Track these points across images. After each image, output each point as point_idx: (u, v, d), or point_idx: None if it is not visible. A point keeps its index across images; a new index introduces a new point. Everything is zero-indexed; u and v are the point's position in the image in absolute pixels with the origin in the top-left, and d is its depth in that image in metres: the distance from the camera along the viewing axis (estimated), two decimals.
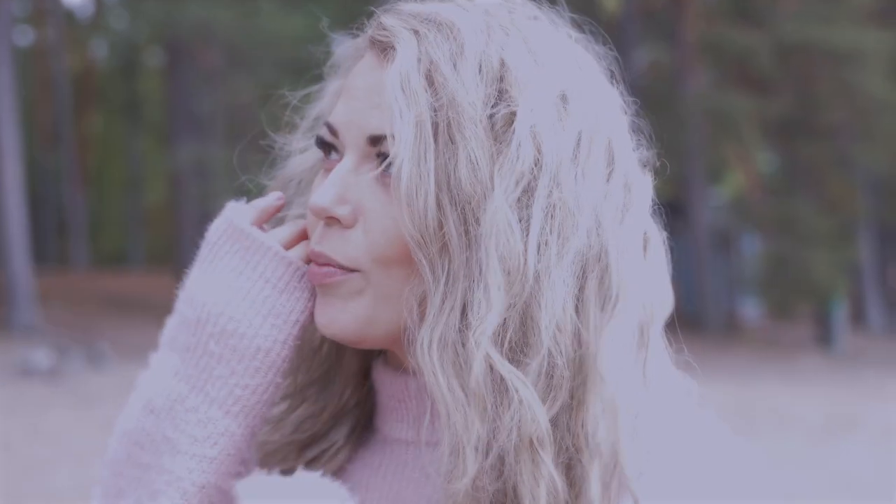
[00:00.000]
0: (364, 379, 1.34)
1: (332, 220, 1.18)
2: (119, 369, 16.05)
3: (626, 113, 1.25)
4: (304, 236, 1.26)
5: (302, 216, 1.28)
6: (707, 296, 26.97)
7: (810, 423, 15.42)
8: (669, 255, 1.25)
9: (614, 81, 1.26)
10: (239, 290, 1.21)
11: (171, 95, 25.71)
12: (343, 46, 1.31)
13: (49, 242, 35.20)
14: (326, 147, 1.22)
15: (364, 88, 1.19)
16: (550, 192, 1.13)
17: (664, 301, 1.22)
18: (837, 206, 27.68)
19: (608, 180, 1.17)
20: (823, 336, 27.52)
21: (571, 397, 1.11)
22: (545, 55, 1.18)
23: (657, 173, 1.25)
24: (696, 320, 26.33)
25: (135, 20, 35.42)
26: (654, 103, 30.05)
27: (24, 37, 37.56)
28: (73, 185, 34.50)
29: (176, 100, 25.12)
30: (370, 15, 1.25)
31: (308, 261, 1.22)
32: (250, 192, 1.35)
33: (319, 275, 1.19)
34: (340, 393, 1.34)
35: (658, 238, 1.23)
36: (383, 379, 1.28)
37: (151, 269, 34.62)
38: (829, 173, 27.89)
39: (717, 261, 27.88)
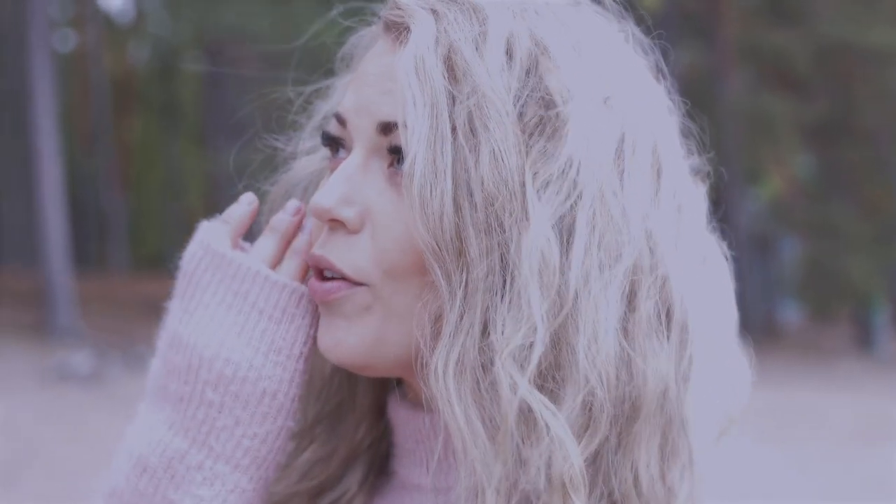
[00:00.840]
0: (379, 416, 1.18)
1: (335, 224, 1.04)
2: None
3: (673, 114, 1.12)
4: (289, 241, 1.12)
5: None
6: (745, 299, 26.69)
7: (849, 427, 15.34)
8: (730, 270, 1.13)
9: (661, 78, 1.14)
10: (231, 327, 1.04)
11: (208, 99, 25.78)
12: (356, 36, 1.18)
13: (88, 246, 35.33)
14: (333, 143, 1.09)
15: (376, 74, 1.06)
16: (594, 199, 0.99)
17: (730, 324, 1.12)
18: (876, 209, 27.55)
19: (657, 188, 1.04)
20: (863, 340, 27.41)
21: (618, 436, 0.98)
22: (586, 44, 1.05)
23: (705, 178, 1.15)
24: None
25: (175, 24, 35.66)
26: (692, 105, 30.01)
27: (65, 41, 37.72)
28: (112, 188, 34.65)
29: (213, 103, 25.19)
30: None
31: (305, 271, 1.09)
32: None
33: (322, 291, 1.05)
34: (353, 431, 1.17)
35: (719, 254, 1.13)
36: (400, 416, 1.12)
37: None
38: (867, 176, 27.77)
39: (756, 264, 27.77)
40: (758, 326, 26.98)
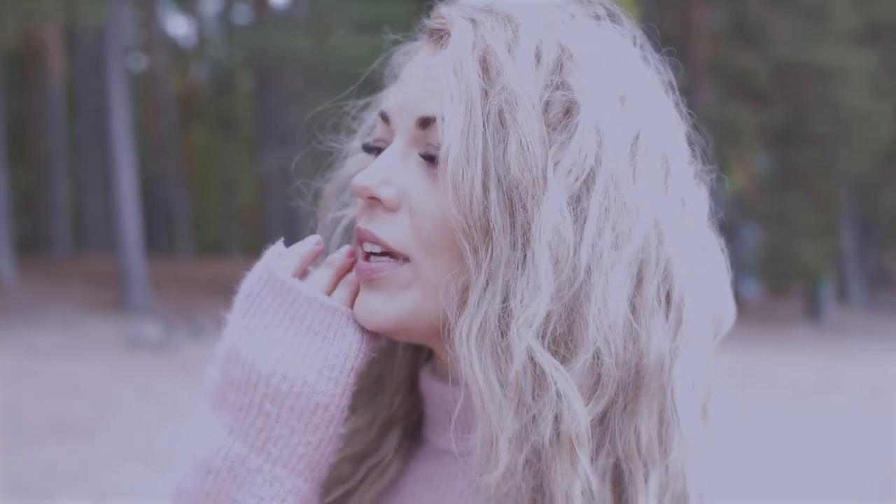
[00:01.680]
0: (412, 387, 1.15)
1: (374, 202, 1.02)
2: (216, 341, 16.13)
3: (680, 123, 1.10)
4: (342, 275, 1.08)
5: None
6: None
7: (801, 384, 15.33)
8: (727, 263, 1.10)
9: (671, 91, 1.11)
10: (288, 347, 1.00)
11: (260, 112, 25.78)
12: (400, 51, 1.15)
13: (159, 236, 35.41)
14: (375, 152, 1.06)
15: (418, 75, 1.04)
16: (607, 186, 0.97)
17: (727, 314, 1.10)
18: (823, 202, 27.52)
19: (665, 185, 1.01)
20: (812, 311, 27.46)
21: (625, 400, 0.95)
22: (607, 53, 1.03)
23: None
24: None
25: (230, 49, 35.68)
26: None
27: (137, 63, 37.78)
28: (178, 188, 34.76)
29: (264, 116, 25.19)
30: (431, 9, 1.09)
31: (354, 297, 1.06)
32: (306, 196, 1.22)
33: (368, 270, 1.02)
34: (390, 401, 1.14)
35: (717, 247, 1.10)
36: (431, 387, 1.09)
37: (243, 256, 34.78)
38: (817, 174, 27.71)
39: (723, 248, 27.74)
40: None
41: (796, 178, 27.58)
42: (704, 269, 1.05)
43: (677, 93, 1.13)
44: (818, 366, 18.08)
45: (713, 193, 1.15)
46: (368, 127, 1.16)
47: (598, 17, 1.07)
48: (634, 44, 1.08)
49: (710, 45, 27.61)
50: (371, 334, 1.05)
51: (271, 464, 1.00)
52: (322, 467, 1.03)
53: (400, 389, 1.14)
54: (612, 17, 1.08)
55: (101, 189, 29.96)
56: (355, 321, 1.04)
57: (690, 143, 1.12)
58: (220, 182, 42.37)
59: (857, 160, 27.17)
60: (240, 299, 1.07)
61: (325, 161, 1.22)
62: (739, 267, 29.43)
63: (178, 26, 46.45)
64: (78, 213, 32.86)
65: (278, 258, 1.08)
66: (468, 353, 0.95)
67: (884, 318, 29.39)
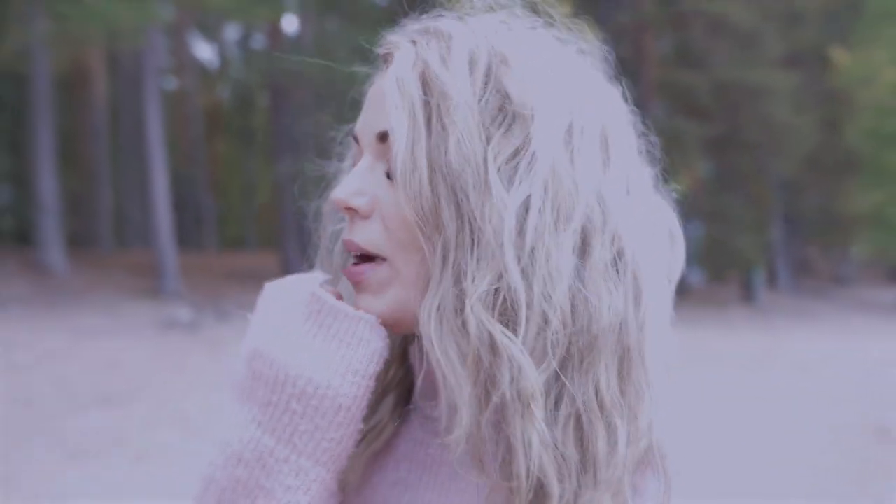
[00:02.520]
0: (403, 360, 1.12)
1: (351, 211, 0.99)
2: (239, 323, 16.07)
3: (622, 104, 1.05)
4: None
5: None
6: None
7: (738, 357, 15.38)
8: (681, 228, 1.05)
9: (615, 81, 1.06)
10: (315, 352, 0.96)
11: (275, 125, 25.71)
12: (369, 80, 1.10)
13: (188, 232, 35.33)
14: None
15: (374, 96, 1.01)
16: (545, 169, 0.93)
17: (676, 268, 1.07)
18: (756, 201, 27.62)
19: (606, 162, 0.98)
20: (747, 295, 27.55)
21: (580, 360, 0.92)
22: (539, 52, 0.99)
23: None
24: None
25: (248, 71, 35.59)
26: None
27: (169, 83, 37.70)
28: (204, 190, 34.71)
29: (278, 128, 25.13)
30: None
31: (346, 249, 1.04)
32: (311, 199, 1.18)
33: (351, 273, 1.00)
34: (385, 373, 1.10)
35: (668, 210, 1.07)
36: (418, 360, 1.07)
37: (262, 249, 34.77)
38: (750, 177, 27.82)
39: None
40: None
41: (733, 181, 27.68)
42: (656, 232, 1.02)
43: (630, 102, 1.08)
44: (752, 341, 18.14)
45: (663, 194, 1.11)
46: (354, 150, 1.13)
47: (533, 28, 1.03)
48: (573, 46, 1.04)
49: (659, 68, 27.65)
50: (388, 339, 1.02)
51: (297, 455, 0.96)
52: (343, 458, 1.00)
53: (393, 362, 1.10)
54: (552, 25, 1.05)
55: (139, 192, 29.87)
56: (377, 329, 1.00)
57: (641, 149, 1.07)
58: (241, 185, 42.34)
59: (784, 165, 27.32)
60: (271, 304, 1.02)
61: (325, 176, 1.17)
62: (685, 256, 29.51)
63: (204, 51, 46.27)
64: (119, 213, 32.77)
65: (308, 274, 1.04)
66: (429, 332, 0.93)
67: (807, 301, 29.51)
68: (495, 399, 0.91)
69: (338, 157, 1.15)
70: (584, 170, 0.96)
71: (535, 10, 1.06)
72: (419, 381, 1.07)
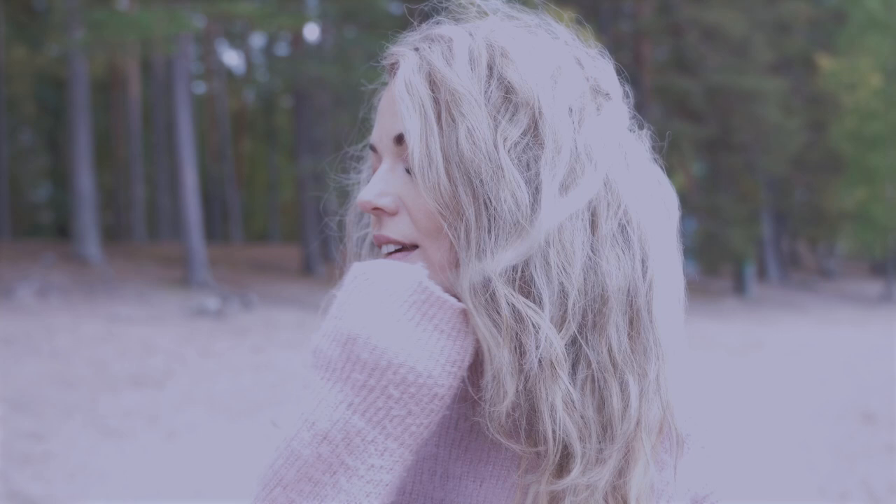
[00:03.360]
0: None
1: (378, 212, 0.99)
2: (263, 311, 16.15)
3: (618, 86, 1.05)
4: None
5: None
6: None
7: (731, 345, 15.36)
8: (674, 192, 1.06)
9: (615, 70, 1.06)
10: (418, 341, 0.93)
11: (297, 126, 25.72)
12: (378, 94, 1.10)
13: (216, 226, 35.42)
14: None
15: (385, 104, 1.01)
16: (552, 150, 0.94)
17: (675, 233, 1.06)
18: (747, 198, 27.55)
19: (605, 137, 0.98)
20: (739, 287, 27.48)
21: (593, 321, 0.92)
22: (534, 45, 0.99)
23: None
24: None
25: (272, 76, 35.60)
26: None
27: (198, 88, 37.74)
28: (232, 187, 34.74)
29: (300, 129, 25.14)
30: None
31: (378, 245, 1.03)
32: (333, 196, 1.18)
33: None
34: None
35: (664, 178, 1.06)
36: None
37: (284, 242, 34.82)
38: (742, 176, 27.75)
39: None
40: None
41: (725, 179, 27.61)
42: (657, 200, 1.02)
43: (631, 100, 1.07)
44: (744, 329, 18.11)
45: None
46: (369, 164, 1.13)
47: (527, 25, 1.03)
48: (564, 40, 1.03)
49: (656, 74, 27.59)
50: None
51: (384, 437, 0.93)
52: (424, 441, 0.98)
53: None
54: (545, 26, 1.04)
55: (170, 188, 29.93)
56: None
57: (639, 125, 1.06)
58: (265, 182, 42.36)
59: (773, 164, 27.23)
60: (367, 290, 0.96)
61: (344, 189, 1.17)
62: (680, 251, 29.47)
63: (232, 58, 46.34)
64: (151, 208, 32.85)
65: (412, 266, 0.99)
66: (470, 307, 0.93)
67: (795, 292, 29.44)
68: (526, 367, 0.91)
69: (354, 170, 1.15)
70: (586, 146, 0.96)
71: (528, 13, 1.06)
72: None
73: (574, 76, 0.99)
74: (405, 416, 0.93)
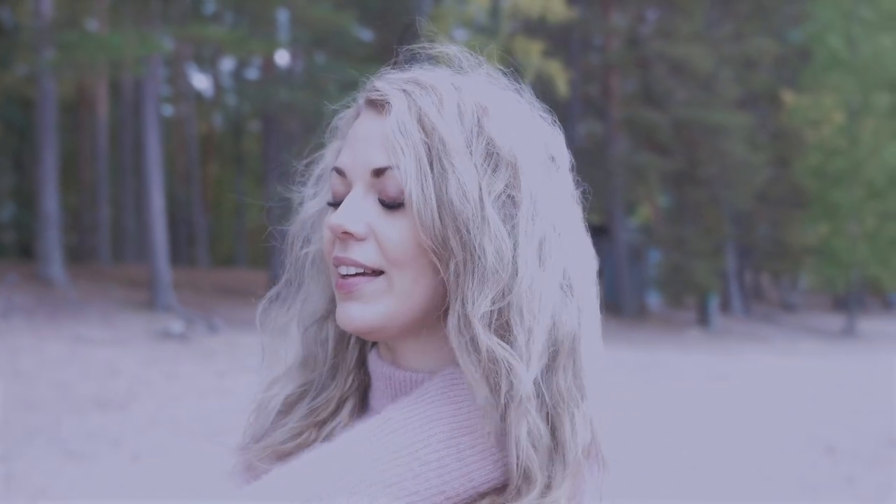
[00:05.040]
0: (360, 368, 1.15)
1: (347, 236, 1.03)
2: (228, 335, 16.08)
3: (566, 153, 1.11)
4: None
5: None
6: (624, 290, 26.97)
7: (694, 376, 15.46)
8: (599, 263, 1.13)
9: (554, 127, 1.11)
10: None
11: (265, 150, 25.73)
12: (339, 115, 1.16)
13: (182, 249, 35.21)
14: (336, 204, 1.07)
15: (365, 135, 1.05)
16: (528, 203, 1.01)
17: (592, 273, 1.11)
18: (712, 231, 27.79)
19: (563, 199, 1.06)
20: (702, 319, 27.62)
21: (551, 363, 1.00)
22: (509, 104, 1.06)
23: (590, 207, 1.14)
24: (616, 307, 26.33)
25: (242, 100, 35.58)
26: (589, 160, 30.13)
27: (167, 110, 37.62)
28: (199, 210, 34.57)
29: (268, 153, 25.15)
30: (362, 85, 1.11)
31: (335, 265, 1.06)
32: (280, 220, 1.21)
33: (348, 285, 1.04)
34: (345, 381, 1.14)
35: (589, 241, 1.12)
36: (380, 369, 1.11)
37: (251, 267, 34.68)
38: (707, 209, 28.00)
39: (631, 267, 27.91)
40: (632, 309, 27.12)
41: (690, 212, 27.88)
42: (588, 257, 1.09)
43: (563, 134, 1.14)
44: (708, 361, 18.23)
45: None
46: (315, 177, 1.17)
47: (496, 82, 1.10)
48: (522, 95, 1.11)
49: (624, 106, 27.87)
50: None
51: None
52: None
53: (352, 371, 1.15)
54: (505, 77, 1.12)
55: (136, 210, 29.77)
56: (337, 288, 1.06)
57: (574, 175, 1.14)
58: (233, 206, 42.17)
59: (738, 198, 27.50)
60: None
61: (289, 200, 1.21)
62: (645, 282, 29.67)
63: (200, 81, 46.24)
64: (116, 230, 32.62)
65: None
66: (456, 345, 1.00)
67: (758, 324, 29.70)
68: (502, 402, 0.98)
69: (299, 185, 1.19)
70: (551, 208, 1.04)
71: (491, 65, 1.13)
72: (378, 384, 1.12)
73: (541, 140, 1.07)
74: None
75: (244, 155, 40.62)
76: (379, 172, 1.03)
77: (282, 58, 25.96)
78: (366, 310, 1.04)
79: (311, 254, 1.15)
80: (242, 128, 40.86)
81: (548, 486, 0.99)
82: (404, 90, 1.05)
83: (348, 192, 1.06)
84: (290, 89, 22.04)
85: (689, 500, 7.13)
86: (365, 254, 1.03)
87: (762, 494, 7.65)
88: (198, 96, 39.88)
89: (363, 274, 1.04)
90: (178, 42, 20.05)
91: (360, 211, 1.03)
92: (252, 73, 36.51)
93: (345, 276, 1.05)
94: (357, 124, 1.08)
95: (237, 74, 39.07)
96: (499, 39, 20.49)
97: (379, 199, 1.03)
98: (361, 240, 1.03)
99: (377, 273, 1.04)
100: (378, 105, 1.06)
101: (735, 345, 22.93)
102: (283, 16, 23.89)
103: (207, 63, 38.31)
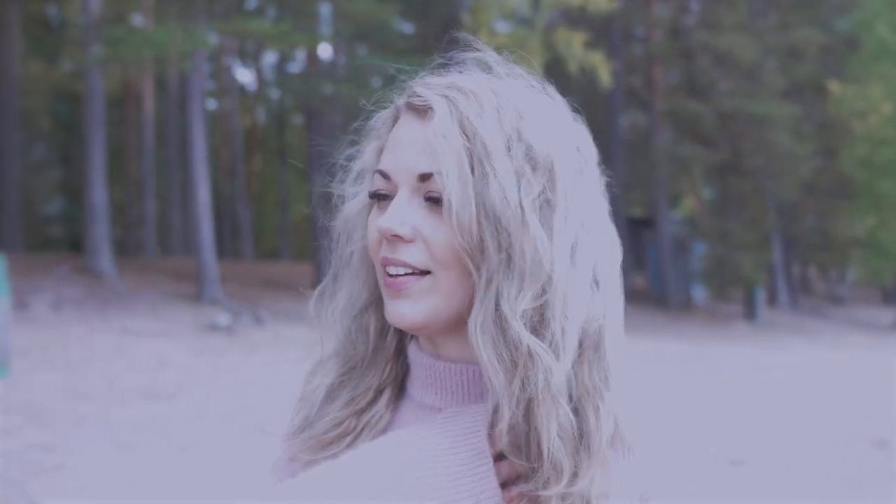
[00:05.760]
0: (398, 357, 1.20)
1: (395, 238, 1.08)
2: (273, 327, 16.21)
3: (595, 155, 1.15)
4: None
5: None
6: (669, 283, 26.81)
7: (740, 369, 15.36)
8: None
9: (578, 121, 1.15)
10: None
11: (309, 143, 25.86)
12: (376, 116, 1.19)
13: (227, 243, 35.54)
14: (379, 196, 1.12)
15: (409, 140, 1.09)
16: (563, 206, 1.05)
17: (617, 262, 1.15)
18: (757, 223, 27.51)
19: (593, 195, 1.10)
20: (749, 312, 27.38)
21: (580, 356, 1.04)
22: (543, 109, 1.10)
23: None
24: (662, 300, 26.18)
25: (285, 93, 35.78)
26: (633, 152, 29.97)
27: (212, 105, 37.94)
28: (243, 204, 34.85)
29: (312, 146, 25.28)
30: (402, 89, 1.15)
31: (382, 265, 1.11)
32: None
33: (397, 284, 1.08)
34: (383, 370, 1.19)
35: (616, 236, 1.16)
36: (421, 359, 1.16)
37: (295, 260, 34.90)
38: (752, 201, 27.72)
39: (676, 259, 27.73)
40: (678, 302, 26.94)
41: (735, 204, 27.61)
42: (615, 253, 1.12)
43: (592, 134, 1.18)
44: (754, 354, 18.09)
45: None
46: (355, 174, 1.21)
47: (531, 86, 1.13)
48: (553, 97, 1.14)
49: (668, 98, 27.66)
50: None
51: None
52: None
53: (390, 361, 1.19)
54: (539, 82, 1.15)
55: (182, 204, 30.12)
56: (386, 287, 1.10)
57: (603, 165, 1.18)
58: (277, 199, 42.49)
59: (783, 190, 27.20)
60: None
61: (332, 195, 1.24)
62: (690, 275, 29.47)
63: (244, 76, 46.56)
64: (163, 223, 33.01)
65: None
66: (476, 342, 1.04)
67: (805, 318, 29.39)
68: (528, 395, 1.02)
69: (339, 180, 1.23)
70: (581, 207, 1.08)
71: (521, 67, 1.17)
72: (419, 374, 1.17)
73: (573, 143, 1.11)
74: None
75: (287, 148, 40.85)
76: (425, 177, 1.07)
77: (324, 51, 26.09)
78: (415, 307, 1.08)
79: (355, 250, 1.19)
80: (285, 121, 41.09)
81: (574, 475, 1.03)
82: (446, 96, 1.09)
83: (392, 190, 1.10)
84: (333, 83, 22.15)
85: (731, 496, 7.09)
86: (413, 255, 1.08)
87: (808, 489, 7.58)
88: (241, 90, 40.19)
89: (411, 273, 1.09)
90: (222, 37, 20.20)
91: (406, 214, 1.08)
92: (294, 67, 36.71)
93: (394, 276, 1.09)
94: (398, 128, 1.12)
95: (280, 68, 39.31)
96: (540, 31, 20.44)
97: (425, 202, 1.08)
98: (409, 242, 1.08)
99: (424, 273, 1.08)
100: (420, 110, 1.10)
101: (781, 338, 22.73)
102: (325, 10, 24.00)
103: (250, 57, 38.61)
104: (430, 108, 1.08)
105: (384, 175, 1.10)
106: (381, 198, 1.11)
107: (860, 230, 29.94)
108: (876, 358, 18.29)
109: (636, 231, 29.58)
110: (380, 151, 1.15)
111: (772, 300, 30.69)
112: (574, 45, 20.23)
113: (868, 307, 36.02)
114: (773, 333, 23.91)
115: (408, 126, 1.10)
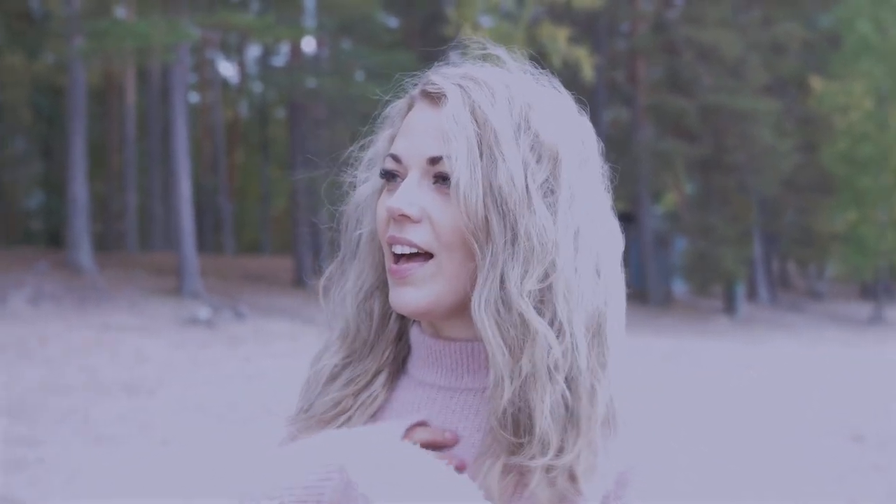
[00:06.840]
0: (398, 341, 1.23)
1: (403, 218, 1.10)
2: (254, 321, 16.19)
3: (599, 144, 1.19)
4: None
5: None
6: (650, 278, 26.90)
7: (720, 363, 15.43)
8: (625, 250, 1.19)
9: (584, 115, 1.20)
10: None
11: (291, 137, 25.81)
12: (391, 105, 1.22)
13: (208, 236, 35.41)
14: (390, 175, 1.14)
15: (422, 125, 1.12)
16: (567, 193, 1.09)
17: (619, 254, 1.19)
18: (738, 218, 27.64)
19: (596, 187, 1.14)
20: (729, 307, 27.52)
21: (578, 337, 1.07)
22: (551, 100, 1.14)
23: (617, 194, 1.20)
24: (642, 295, 26.28)
25: (267, 87, 35.69)
26: (616, 147, 30.04)
27: (194, 97, 37.77)
28: (224, 197, 34.74)
29: (294, 140, 25.23)
30: (419, 78, 1.18)
31: (389, 244, 1.14)
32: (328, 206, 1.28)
33: (401, 271, 1.11)
34: (383, 353, 1.22)
35: (617, 225, 1.19)
36: (424, 341, 1.18)
37: (276, 254, 34.83)
38: (733, 196, 27.84)
39: (658, 254, 27.82)
40: (659, 297, 27.05)
41: (717, 199, 27.72)
42: (616, 243, 1.15)
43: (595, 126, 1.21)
44: (732, 349, 18.19)
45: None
46: (367, 161, 1.23)
47: (537, 79, 1.16)
48: (560, 91, 1.17)
49: (651, 93, 27.74)
50: None
51: None
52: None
53: (391, 344, 1.22)
54: (547, 77, 1.18)
55: (163, 197, 29.97)
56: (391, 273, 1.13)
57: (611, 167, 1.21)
58: (258, 193, 42.38)
59: (765, 185, 27.33)
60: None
61: (341, 183, 1.27)
62: (671, 270, 29.58)
63: (227, 69, 46.39)
64: (144, 217, 32.86)
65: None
66: (480, 319, 1.06)
67: (784, 312, 29.55)
68: (526, 371, 1.05)
69: (352, 167, 1.26)
70: (585, 197, 1.11)
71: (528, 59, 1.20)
72: (420, 353, 1.20)
73: (578, 135, 1.14)
74: None
75: (269, 142, 40.74)
76: (435, 161, 1.10)
77: (308, 44, 26.00)
78: (419, 293, 1.11)
79: (364, 234, 1.22)
80: (268, 115, 40.98)
81: (561, 450, 1.05)
82: (459, 84, 1.13)
83: (402, 172, 1.13)
84: (317, 76, 22.11)
85: (713, 491, 7.11)
86: (419, 235, 1.11)
87: (788, 483, 7.63)
88: (224, 84, 40.03)
89: (416, 257, 1.12)
90: (205, 29, 20.12)
91: (415, 195, 1.11)
92: (278, 61, 36.60)
93: (398, 257, 1.12)
94: (412, 114, 1.16)
95: (263, 61, 39.18)
96: (524, 25, 20.44)
97: (434, 184, 1.11)
98: (416, 222, 1.11)
99: (428, 256, 1.11)
100: (434, 98, 1.14)
101: (761, 333, 22.85)
102: (309, 2, 23.93)
103: (233, 50, 38.45)
104: (444, 95, 1.12)
105: (396, 158, 1.14)
106: (391, 178, 1.14)
107: (840, 226, 30.08)
108: (853, 353, 18.41)
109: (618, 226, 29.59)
110: (392, 139, 1.18)
111: (751, 295, 30.83)
112: (559, 40, 20.24)
113: (846, 302, 36.23)
114: (752, 328, 24.04)
115: (421, 112, 1.14)
